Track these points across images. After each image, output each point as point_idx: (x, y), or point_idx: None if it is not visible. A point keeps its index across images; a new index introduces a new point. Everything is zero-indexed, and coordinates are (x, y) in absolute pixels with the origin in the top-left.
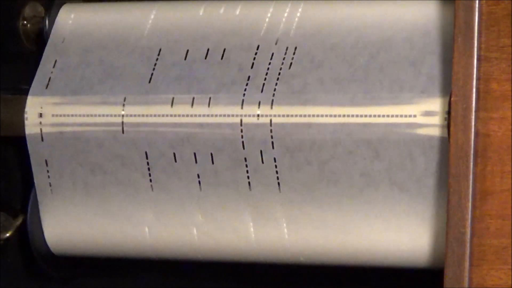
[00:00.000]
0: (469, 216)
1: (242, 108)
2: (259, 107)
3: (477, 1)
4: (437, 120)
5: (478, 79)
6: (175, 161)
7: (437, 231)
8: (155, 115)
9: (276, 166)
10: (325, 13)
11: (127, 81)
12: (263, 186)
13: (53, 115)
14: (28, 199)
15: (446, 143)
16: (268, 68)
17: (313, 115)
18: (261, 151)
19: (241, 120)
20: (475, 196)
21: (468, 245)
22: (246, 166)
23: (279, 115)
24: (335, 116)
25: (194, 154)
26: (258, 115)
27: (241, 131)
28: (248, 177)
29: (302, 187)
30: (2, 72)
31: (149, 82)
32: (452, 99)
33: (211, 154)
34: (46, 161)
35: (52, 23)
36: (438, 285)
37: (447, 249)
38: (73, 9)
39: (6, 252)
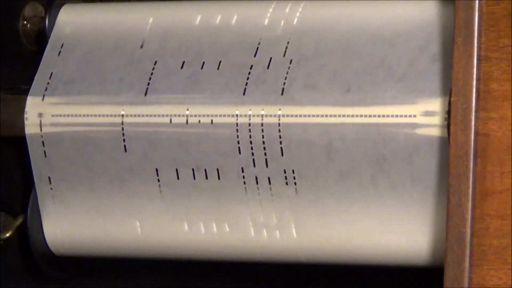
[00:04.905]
0: (469, 216)
1: (244, 108)
2: (262, 108)
3: (477, 1)
4: (437, 120)
5: (478, 79)
6: (176, 161)
7: (437, 231)
8: (155, 115)
9: (281, 166)
10: (326, 13)
11: (127, 81)
12: (268, 186)
13: (53, 115)
14: (28, 199)
15: (446, 143)
16: (268, 68)
17: (313, 115)
18: (264, 152)
19: (248, 121)
20: (475, 196)
21: (468, 245)
22: (254, 165)
23: (283, 115)
24: (335, 116)
25: (196, 154)
26: (262, 116)
27: (248, 131)
28: (256, 178)
29: (306, 187)
30: (2, 72)
31: (149, 81)
32: (452, 99)
33: (214, 155)
34: (46, 161)
35: (52, 23)
36: (438, 285)
37: (447, 249)
38: (73, 9)
39: (6, 252)
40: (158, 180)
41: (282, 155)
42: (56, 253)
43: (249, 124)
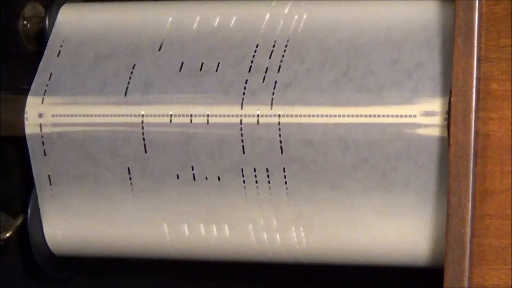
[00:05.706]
0: (469, 216)
1: (242, 108)
2: (260, 108)
3: (477, 1)
4: (437, 120)
5: (478, 79)
6: (177, 161)
7: (437, 231)
8: (155, 115)
9: (284, 168)
10: (324, 13)
11: (127, 81)
12: (270, 187)
13: (53, 115)
14: (28, 199)
15: (446, 143)
16: (267, 69)
17: (314, 115)
18: (265, 153)
19: (246, 121)
20: (475, 196)
21: (468, 245)
22: (254, 168)
23: (282, 116)
24: (335, 116)
25: (196, 155)
26: (259, 115)
27: (244, 132)
28: (256, 181)
29: (307, 187)
30: (2, 72)
31: (150, 82)
32: (452, 99)
33: (215, 155)
34: (46, 161)
35: (52, 23)
36: (438, 285)
37: (447, 249)
38: (73, 9)
39: (6, 252)
40: (159, 179)
41: (284, 156)
42: (56, 253)
43: (248, 124)
